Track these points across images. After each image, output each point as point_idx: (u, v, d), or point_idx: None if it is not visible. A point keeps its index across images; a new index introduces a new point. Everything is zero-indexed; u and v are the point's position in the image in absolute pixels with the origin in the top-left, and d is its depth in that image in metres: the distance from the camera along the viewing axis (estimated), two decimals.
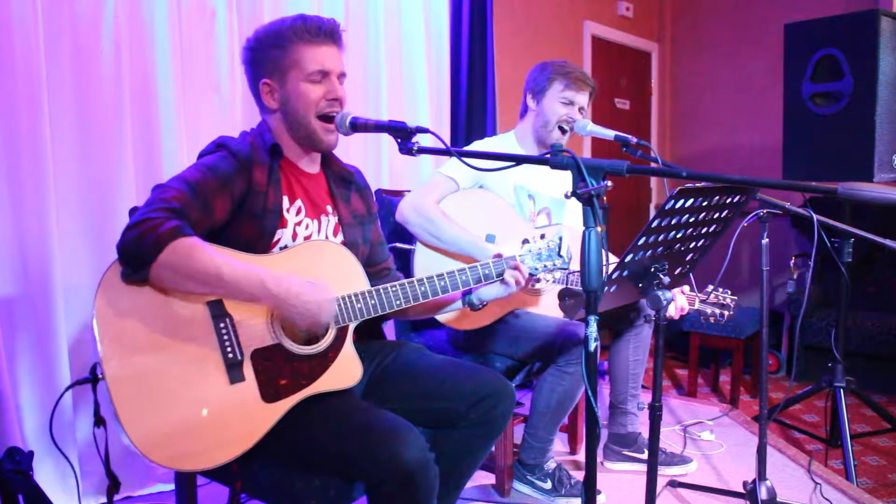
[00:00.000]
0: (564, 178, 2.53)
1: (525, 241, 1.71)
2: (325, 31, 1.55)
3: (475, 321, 2.19)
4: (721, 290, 2.16)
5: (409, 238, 2.25)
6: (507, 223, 2.27)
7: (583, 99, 2.36)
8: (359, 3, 2.95)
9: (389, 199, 2.47)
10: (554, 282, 2.27)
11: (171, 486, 2.31)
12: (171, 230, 1.30)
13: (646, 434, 2.15)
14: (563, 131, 2.35)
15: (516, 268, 1.67)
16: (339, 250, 1.58)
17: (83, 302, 2.15)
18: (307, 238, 1.59)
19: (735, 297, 2.16)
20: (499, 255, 1.68)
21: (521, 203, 2.36)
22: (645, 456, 2.50)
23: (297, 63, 1.54)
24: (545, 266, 1.71)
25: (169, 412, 1.31)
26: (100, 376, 1.29)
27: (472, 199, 2.28)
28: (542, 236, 1.72)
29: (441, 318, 2.18)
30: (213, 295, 1.38)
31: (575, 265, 2.17)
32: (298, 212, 1.59)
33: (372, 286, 1.56)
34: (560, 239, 1.71)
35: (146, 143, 2.28)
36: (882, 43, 2.51)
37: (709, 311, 2.13)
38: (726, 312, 2.12)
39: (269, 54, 1.55)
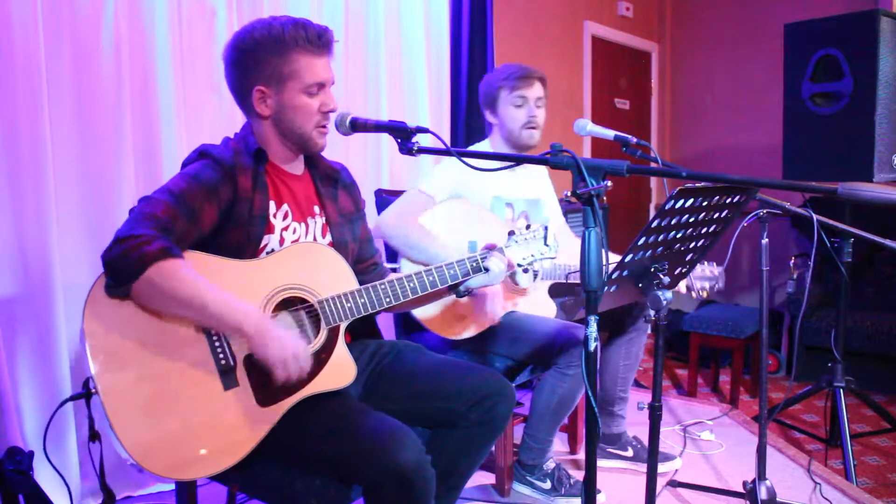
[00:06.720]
0: (535, 179, 2.53)
1: (511, 233, 1.71)
2: (325, 42, 1.53)
3: (459, 332, 2.17)
4: (704, 261, 2.12)
5: (394, 256, 2.26)
6: (486, 227, 2.26)
7: (535, 91, 2.35)
8: (359, 4, 2.95)
9: (389, 200, 2.46)
10: (542, 278, 2.27)
11: (171, 486, 2.31)
12: (158, 250, 1.28)
13: (646, 434, 2.15)
14: (533, 127, 2.35)
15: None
16: (326, 252, 1.57)
17: (83, 302, 2.14)
18: (295, 242, 1.58)
19: (720, 267, 2.13)
20: (490, 246, 1.67)
21: (499, 214, 2.35)
22: (628, 453, 2.54)
23: (297, 73, 1.50)
24: (532, 255, 1.70)
25: (164, 422, 1.30)
26: (93, 391, 1.28)
27: (449, 209, 2.27)
28: (528, 226, 1.72)
29: (425, 321, 2.16)
30: (192, 321, 1.35)
31: (560, 259, 2.15)
32: (285, 216, 1.57)
33: (361, 282, 1.56)
34: (545, 228, 1.71)
35: (146, 143, 2.28)
36: (882, 43, 2.51)
37: (698, 285, 2.11)
38: (715, 284, 2.09)
39: (267, 60, 1.50)
